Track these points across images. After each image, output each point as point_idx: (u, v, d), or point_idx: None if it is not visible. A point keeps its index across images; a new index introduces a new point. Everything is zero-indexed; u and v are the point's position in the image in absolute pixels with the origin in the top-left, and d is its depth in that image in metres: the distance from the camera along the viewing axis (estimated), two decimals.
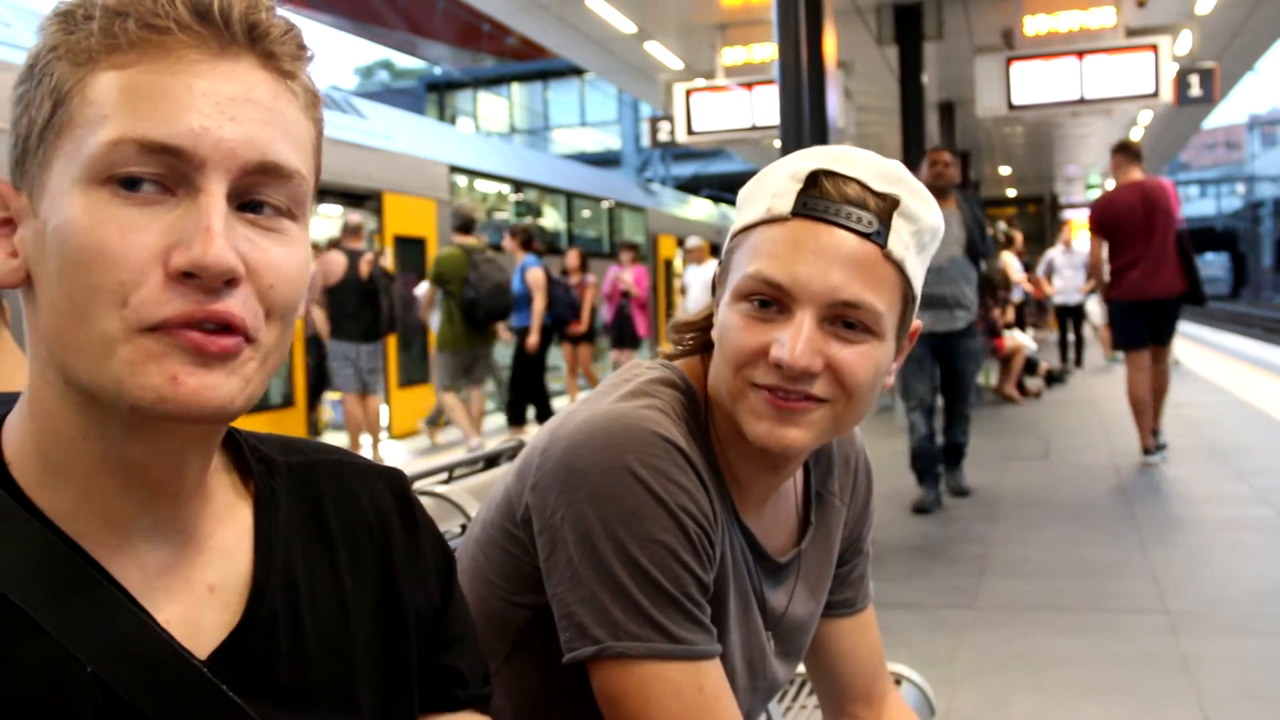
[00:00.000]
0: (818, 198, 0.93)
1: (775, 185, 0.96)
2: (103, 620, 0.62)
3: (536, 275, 8.00)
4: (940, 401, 5.76)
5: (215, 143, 0.60)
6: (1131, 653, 3.38)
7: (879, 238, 0.92)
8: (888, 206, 0.93)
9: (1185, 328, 17.78)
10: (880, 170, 0.95)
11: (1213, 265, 55.99)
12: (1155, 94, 7.82)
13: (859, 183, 0.93)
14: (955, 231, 5.44)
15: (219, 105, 0.61)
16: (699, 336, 1.09)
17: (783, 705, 1.75)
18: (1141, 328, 6.23)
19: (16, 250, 0.64)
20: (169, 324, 0.59)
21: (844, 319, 0.92)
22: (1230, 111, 79.67)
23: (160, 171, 0.60)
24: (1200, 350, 14.24)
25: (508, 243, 8.49)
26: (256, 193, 0.63)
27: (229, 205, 0.62)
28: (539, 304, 7.91)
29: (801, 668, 1.30)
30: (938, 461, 5.62)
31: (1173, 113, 12.10)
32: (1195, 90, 8.78)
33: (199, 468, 0.68)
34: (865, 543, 1.24)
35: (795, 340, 0.91)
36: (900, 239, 0.94)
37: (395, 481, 0.82)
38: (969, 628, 3.68)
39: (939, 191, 5.37)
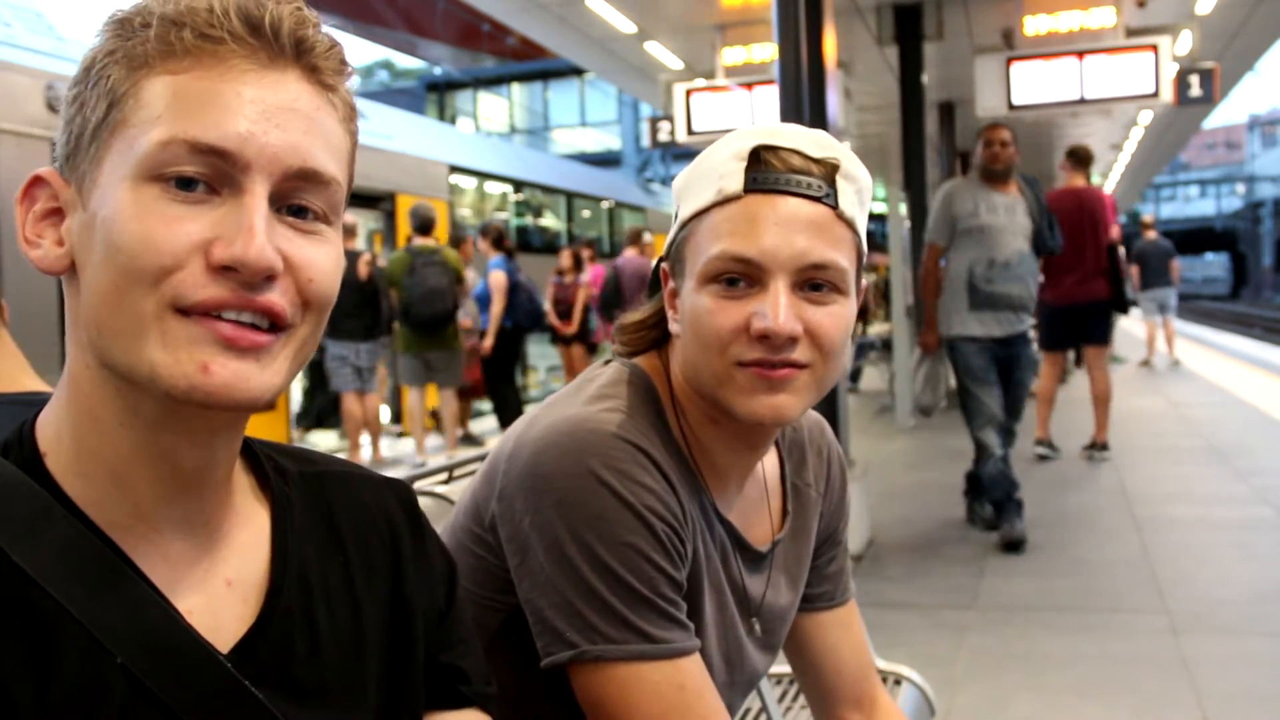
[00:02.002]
0: (765, 172, 0.96)
1: (719, 168, 0.98)
2: (133, 614, 0.64)
3: (497, 278, 8.00)
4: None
5: (260, 147, 0.64)
6: (1131, 653, 3.38)
7: (829, 199, 0.96)
8: (830, 170, 0.97)
9: (1185, 328, 17.78)
10: (813, 139, 0.99)
11: (1213, 265, 55.99)
12: (1155, 94, 7.81)
13: (799, 152, 0.97)
14: (1020, 221, 4.84)
15: (265, 112, 0.65)
16: (648, 334, 1.10)
17: (782, 705, 1.75)
18: (1064, 332, 6.50)
19: (63, 239, 0.67)
20: (204, 307, 0.63)
21: (812, 282, 0.95)
22: (1230, 111, 79.70)
23: (207, 172, 0.64)
24: (1200, 350, 14.23)
25: (480, 243, 8.45)
26: (297, 197, 0.67)
27: (271, 207, 0.66)
28: (496, 307, 7.93)
29: (785, 666, 1.31)
30: (1016, 487, 4.84)
31: (1173, 113, 12.09)
32: (1195, 90, 8.77)
33: (225, 460, 0.71)
34: (841, 535, 1.26)
35: (776, 308, 0.93)
36: (848, 198, 0.97)
37: (402, 492, 0.85)
38: (969, 628, 3.68)
39: (997, 175, 4.87)
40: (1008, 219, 4.81)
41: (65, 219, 0.67)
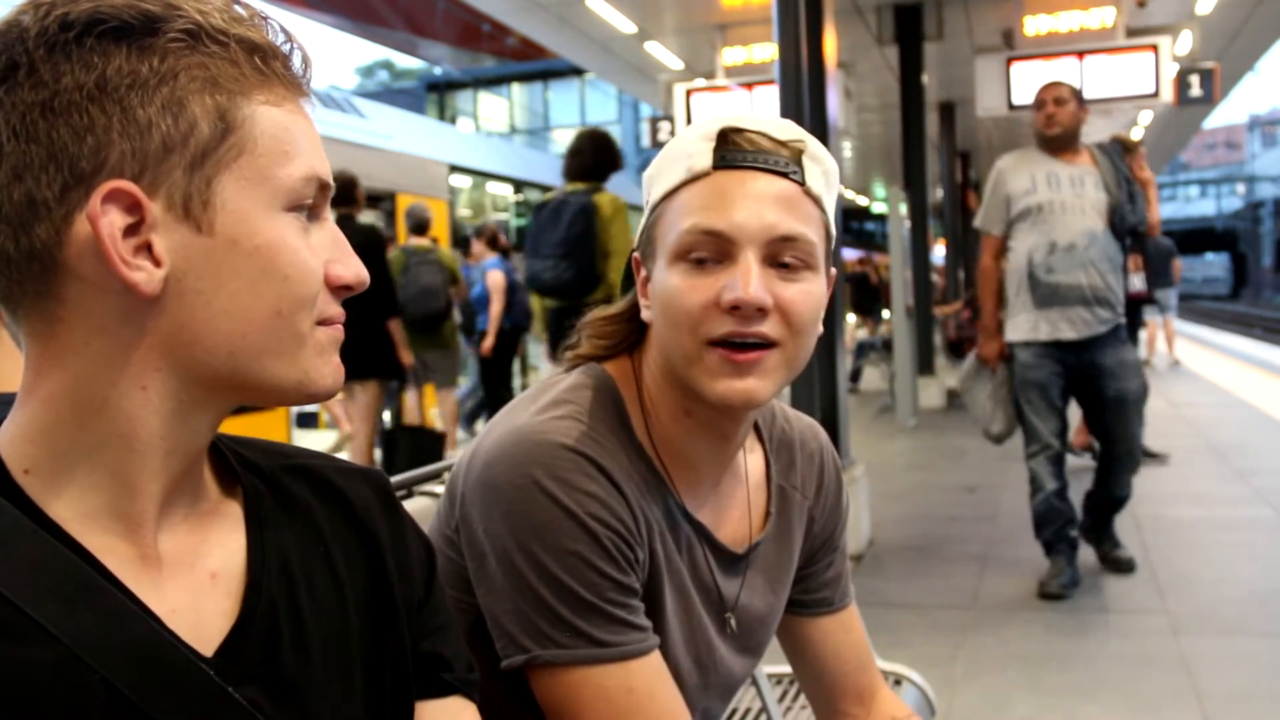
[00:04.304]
0: (734, 149, 0.97)
1: (688, 149, 0.99)
2: (114, 628, 0.63)
3: (495, 278, 7.98)
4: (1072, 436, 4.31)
5: (328, 179, 0.74)
6: (1131, 653, 3.38)
7: (797, 176, 0.97)
8: (796, 150, 0.98)
9: (1185, 328, 17.78)
10: (778, 124, 1.00)
11: (1213, 265, 55.99)
12: (1155, 94, 7.82)
13: (765, 134, 0.98)
14: (1090, 196, 3.90)
15: (318, 145, 0.73)
16: (622, 328, 1.10)
17: (783, 705, 1.75)
18: None
19: (163, 260, 0.64)
20: (334, 319, 0.72)
21: (781, 258, 0.96)
22: (1230, 111, 79.73)
23: (312, 202, 0.71)
24: (1200, 350, 14.23)
25: (475, 245, 8.43)
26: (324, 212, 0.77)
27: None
28: (496, 307, 7.92)
29: (786, 666, 1.31)
30: (1072, 525, 4.06)
31: (1173, 113, 12.10)
32: (1195, 90, 8.77)
33: (205, 448, 0.73)
34: (840, 540, 1.25)
35: (746, 279, 0.93)
36: (814, 177, 0.98)
37: (377, 480, 0.85)
38: (969, 628, 3.68)
39: (1056, 142, 3.98)
40: (1073, 194, 3.92)
41: (153, 236, 0.64)
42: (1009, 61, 8.03)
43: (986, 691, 3.12)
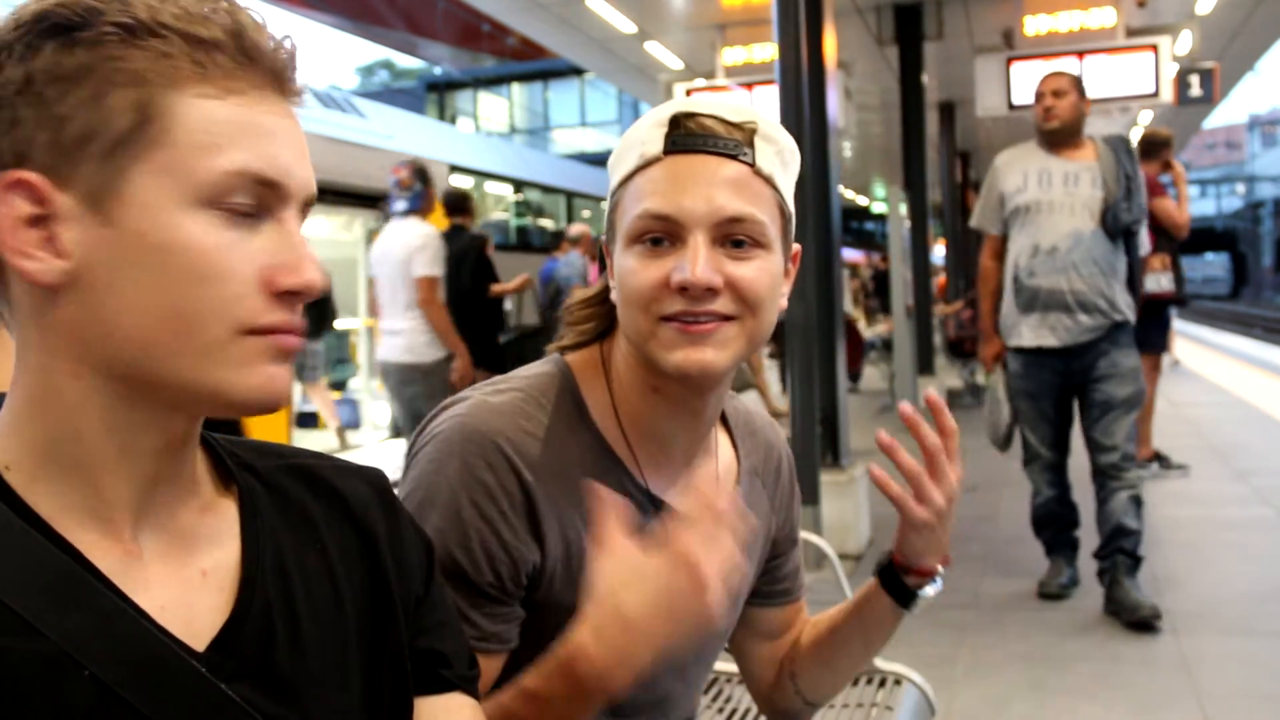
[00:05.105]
0: (685, 134, 1.00)
1: (642, 136, 1.02)
2: (103, 626, 0.63)
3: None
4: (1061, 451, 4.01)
5: (298, 181, 0.70)
6: (1131, 653, 3.38)
7: (746, 157, 0.99)
8: (748, 132, 1.01)
9: (1185, 328, 17.78)
10: (732, 107, 1.02)
11: (1213, 265, 55.98)
12: (1155, 94, 7.81)
13: (717, 117, 1.00)
14: (1084, 194, 3.69)
15: (292, 146, 0.70)
16: (596, 311, 1.13)
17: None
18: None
19: (64, 251, 0.64)
20: (270, 329, 0.68)
21: (732, 237, 0.99)
22: (1230, 111, 79.59)
23: (257, 201, 0.67)
24: (1200, 350, 14.23)
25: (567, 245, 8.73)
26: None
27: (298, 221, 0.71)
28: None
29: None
30: (1073, 526, 3.99)
31: (1173, 113, 12.09)
32: (1195, 90, 8.78)
33: (190, 451, 0.72)
34: (796, 533, 1.30)
35: (694, 260, 0.96)
36: (765, 157, 1.01)
37: (375, 478, 0.85)
38: (969, 628, 3.68)
39: (1054, 137, 3.79)
40: (1064, 192, 3.73)
41: (58, 227, 0.64)
42: (1009, 61, 8.02)
43: (986, 691, 3.12)
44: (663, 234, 0.98)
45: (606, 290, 1.11)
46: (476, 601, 0.99)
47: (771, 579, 1.28)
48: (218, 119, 0.66)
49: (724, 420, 1.21)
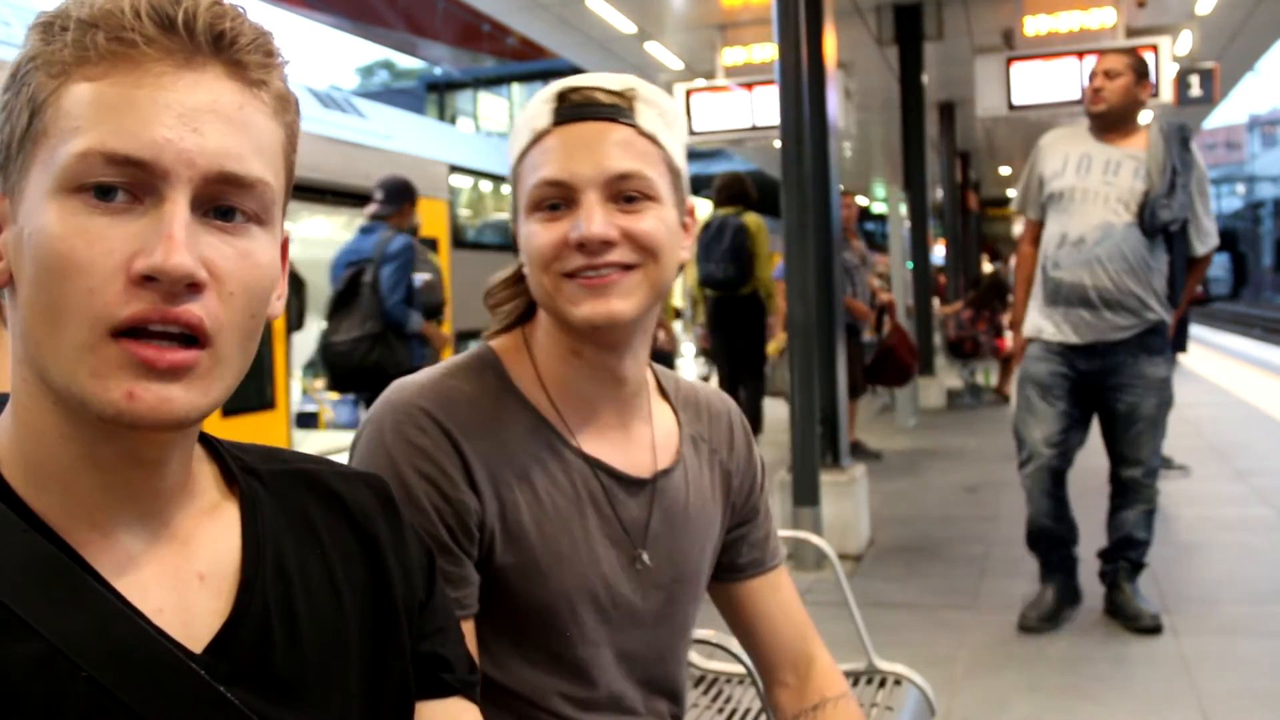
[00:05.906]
0: (570, 106, 1.06)
1: (531, 113, 1.08)
2: (100, 627, 0.63)
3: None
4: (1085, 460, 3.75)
5: (178, 154, 0.63)
6: (1131, 653, 3.38)
7: (629, 119, 1.06)
8: (628, 98, 1.07)
9: None
10: (615, 79, 1.09)
11: (1213, 265, 55.89)
12: (1155, 94, 7.81)
13: (598, 88, 1.07)
14: (1124, 184, 3.38)
15: (182, 117, 0.63)
16: (513, 291, 1.17)
17: None
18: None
19: (4, 253, 0.66)
20: (128, 324, 0.62)
21: (624, 193, 1.04)
22: (1230, 111, 79.66)
23: (127, 181, 0.62)
24: (1200, 350, 14.23)
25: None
26: (224, 200, 0.65)
27: (196, 212, 0.64)
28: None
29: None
30: (1069, 545, 3.64)
31: (1173, 113, 12.10)
32: (1195, 90, 8.77)
33: (177, 465, 0.70)
34: (762, 502, 1.31)
35: (590, 218, 1.02)
36: (647, 118, 1.07)
37: (377, 485, 0.86)
38: (969, 628, 3.68)
39: (1102, 121, 3.48)
40: (1103, 181, 3.41)
41: (2, 232, 0.67)
42: (1009, 61, 8.02)
43: (986, 691, 3.12)
44: (559, 199, 1.04)
45: (520, 268, 1.14)
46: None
47: (738, 551, 1.28)
48: (83, 101, 0.63)
49: (662, 390, 1.24)
